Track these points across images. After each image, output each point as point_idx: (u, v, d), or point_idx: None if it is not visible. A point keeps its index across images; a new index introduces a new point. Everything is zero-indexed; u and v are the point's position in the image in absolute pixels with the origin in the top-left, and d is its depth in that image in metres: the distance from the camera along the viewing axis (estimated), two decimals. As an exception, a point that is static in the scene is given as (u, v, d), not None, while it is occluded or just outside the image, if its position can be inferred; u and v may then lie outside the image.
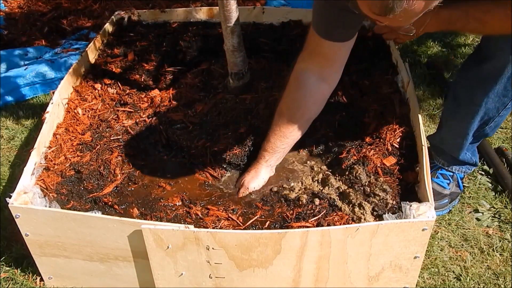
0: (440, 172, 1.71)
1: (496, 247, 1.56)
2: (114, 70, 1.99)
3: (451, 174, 1.70)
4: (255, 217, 1.37)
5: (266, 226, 1.34)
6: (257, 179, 1.52)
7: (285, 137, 1.49)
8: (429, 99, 2.21)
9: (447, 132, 1.61)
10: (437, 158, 1.69)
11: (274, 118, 1.50)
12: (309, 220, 1.33)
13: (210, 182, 1.56)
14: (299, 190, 1.46)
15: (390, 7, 0.94)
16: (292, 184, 1.50)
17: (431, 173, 1.58)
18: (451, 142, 1.61)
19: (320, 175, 1.52)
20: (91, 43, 2.05)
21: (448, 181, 1.69)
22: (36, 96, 2.36)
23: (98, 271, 1.40)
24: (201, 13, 2.29)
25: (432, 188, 1.32)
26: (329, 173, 1.53)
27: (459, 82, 1.54)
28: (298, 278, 1.29)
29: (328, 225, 1.31)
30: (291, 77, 1.47)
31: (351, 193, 1.39)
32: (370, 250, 1.24)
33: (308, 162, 1.60)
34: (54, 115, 1.66)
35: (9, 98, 2.30)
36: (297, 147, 1.59)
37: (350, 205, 1.36)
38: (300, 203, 1.39)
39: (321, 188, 1.46)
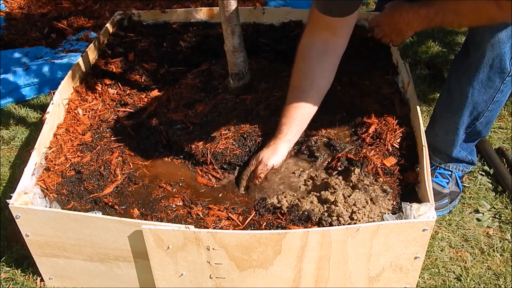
0: (438, 171, 1.72)
1: (496, 248, 1.56)
2: (114, 70, 1.99)
3: (450, 173, 1.71)
4: (251, 216, 1.38)
5: (263, 227, 1.34)
6: (276, 155, 1.48)
7: (300, 108, 1.47)
8: (430, 99, 2.21)
9: (440, 126, 1.63)
10: (434, 158, 1.70)
11: (287, 93, 1.50)
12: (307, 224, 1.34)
13: (210, 182, 1.56)
14: (290, 200, 1.44)
15: None
16: (284, 193, 1.48)
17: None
18: (443, 138, 1.63)
19: (319, 178, 1.52)
20: (92, 44, 2.05)
21: (447, 180, 1.70)
22: (37, 97, 2.37)
23: (99, 272, 1.40)
24: (201, 14, 2.30)
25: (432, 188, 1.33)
26: (329, 174, 1.53)
27: (450, 75, 1.58)
28: (299, 279, 1.29)
29: (330, 225, 1.31)
30: (297, 53, 1.48)
31: (351, 194, 1.38)
32: (371, 250, 1.24)
33: (308, 163, 1.60)
34: (54, 116, 1.66)
35: (9, 99, 2.30)
36: (296, 147, 1.59)
37: (351, 206, 1.36)
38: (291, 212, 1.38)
39: (318, 195, 1.43)
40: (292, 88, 1.50)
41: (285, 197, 1.45)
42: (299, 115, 1.48)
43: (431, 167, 1.69)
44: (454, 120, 1.56)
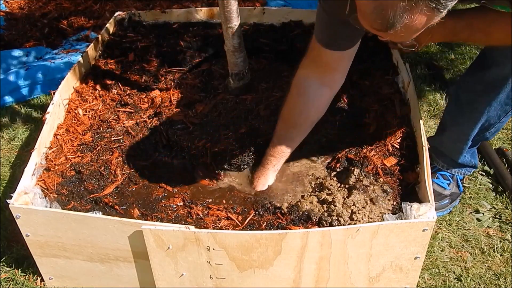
0: (440, 172, 1.71)
1: (496, 248, 1.56)
2: (114, 70, 1.99)
3: (451, 174, 1.70)
4: (251, 215, 1.38)
5: (263, 227, 1.35)
6: (266, 183, 1.55)
7: (291, 141, 1.51)
8: (430, 99, 2.21)
9: (448, 137, 1.61)
10: (437, 160, 1.69)
11: (278, 123, 1.52)
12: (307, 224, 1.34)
13: (210, 182, 1.56)
14: (291, 202, 1.45)
15: (391, 23, 0.92)
16: (287, 195, 1.50)
17: (431, 173, 1.58)
18: (451, 146, 1.62)
19: (319, 178, 1.52)
20: (92, 44, 2.05)
21: (448, 182, 1.69)
22: (37, 97, 2.36)
23: (99, 272, 1.40)
24: (202, 14, 2.30)
25: (433, 189, 1.32)
26: (328, 174, 1.53)
27: (461, 87, 1.54)
28: (299, 279, 1.29)
29: (330, 225, 1.31)
30: (293, 84, 1.47)
31: (351, 194, 1.38)
32: (371, 250, 1.24)
33: (308, 163, 1.60)
34: (54, 116, 1.66)
35: (9, 99, 2.30)
36: (297, 147, 1.59)
37: (351, 206, 1.36)
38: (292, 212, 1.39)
39: (318, 194, 1.44)
40: (284, 120, 1.51)
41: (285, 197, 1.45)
42: (289, 148, 1.52)
43: (433, 169, 1.69)
44: (464, 133, 1.54)
